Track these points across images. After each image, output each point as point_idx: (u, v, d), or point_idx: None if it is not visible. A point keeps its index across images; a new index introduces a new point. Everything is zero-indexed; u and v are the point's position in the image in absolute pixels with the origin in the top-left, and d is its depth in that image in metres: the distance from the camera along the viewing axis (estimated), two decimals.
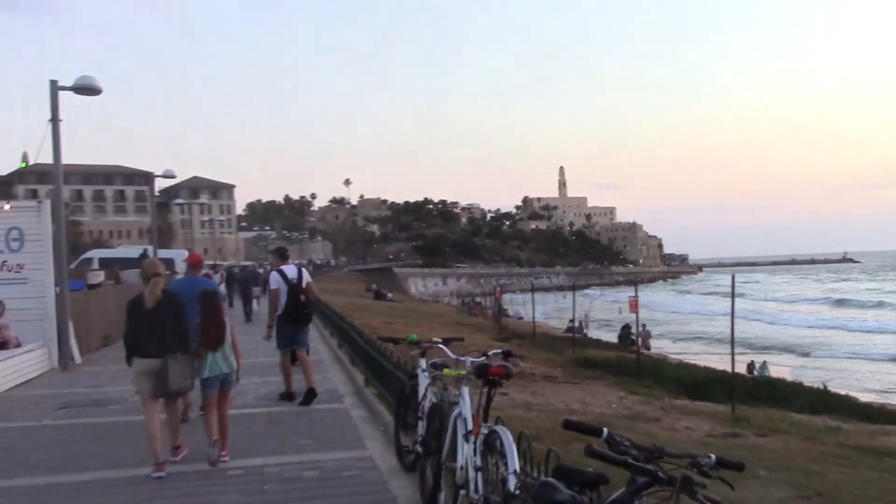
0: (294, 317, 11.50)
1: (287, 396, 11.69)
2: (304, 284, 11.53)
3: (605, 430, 2.91)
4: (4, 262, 16.33)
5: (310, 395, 11.34)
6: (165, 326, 7.76)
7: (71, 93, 16.42)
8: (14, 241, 16.38)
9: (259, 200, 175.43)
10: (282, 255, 12.32)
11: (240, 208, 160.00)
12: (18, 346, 15.22)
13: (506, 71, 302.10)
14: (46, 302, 16.40)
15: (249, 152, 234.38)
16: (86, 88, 16.17)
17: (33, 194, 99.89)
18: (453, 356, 6.24)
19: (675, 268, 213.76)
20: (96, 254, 43.01)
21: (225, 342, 8.08)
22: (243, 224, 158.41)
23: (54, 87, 16.29)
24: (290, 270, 11.61)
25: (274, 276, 11.65)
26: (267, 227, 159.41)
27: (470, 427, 5.25)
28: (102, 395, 12.84)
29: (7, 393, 13.36)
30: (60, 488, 7.34)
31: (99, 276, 28.37)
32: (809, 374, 31.06)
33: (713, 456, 2.79)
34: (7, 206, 16.99)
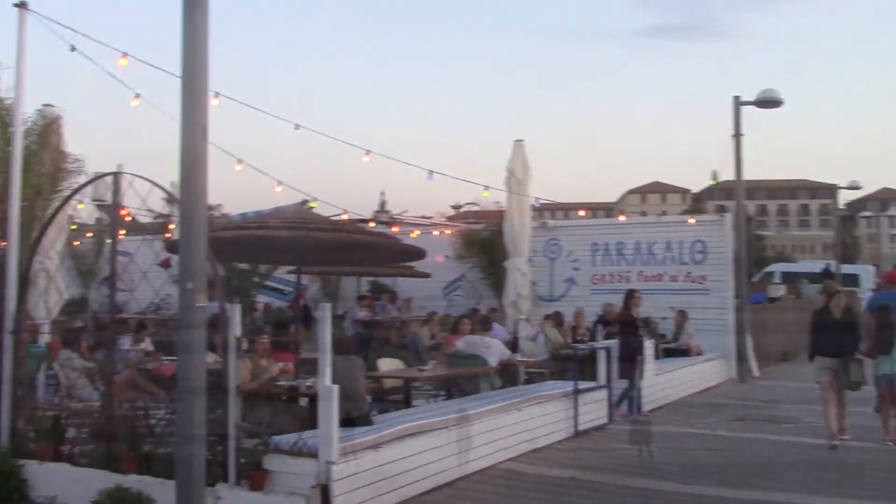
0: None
1: None
2: None
3: None
4: (689, 272, 17.26)
5: None
6: (844, 333, 9.58)
7: (759, 109, 16.95)
8: (698, 253, 17.21)
9: None
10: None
11: None
12: (700, 354, 15.91)
13: None
14: (726, 314, 16.82)
15: None
16: (767, 101, 16.53)
17: (721, 210, 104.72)
18: None
19: None
20: (778, 268, 42.91)
21: (894, 348, 9.48)
22: None
23: (737, 103, 17.03)
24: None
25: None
26: None
27: None
28: (777, 411, 12.64)
29: (688, 398, 14.05)
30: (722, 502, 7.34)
31: (779, 290, 28.33)
32: None
33: None
34: (692, 221, 18.07)
